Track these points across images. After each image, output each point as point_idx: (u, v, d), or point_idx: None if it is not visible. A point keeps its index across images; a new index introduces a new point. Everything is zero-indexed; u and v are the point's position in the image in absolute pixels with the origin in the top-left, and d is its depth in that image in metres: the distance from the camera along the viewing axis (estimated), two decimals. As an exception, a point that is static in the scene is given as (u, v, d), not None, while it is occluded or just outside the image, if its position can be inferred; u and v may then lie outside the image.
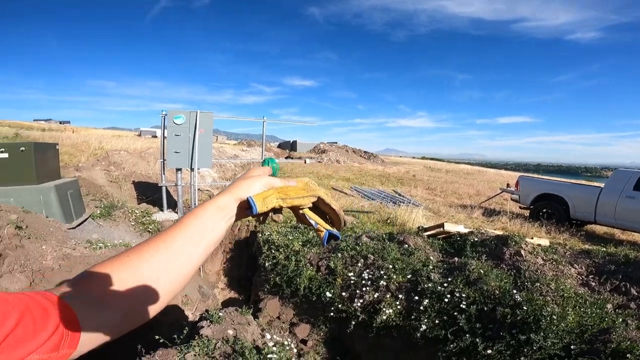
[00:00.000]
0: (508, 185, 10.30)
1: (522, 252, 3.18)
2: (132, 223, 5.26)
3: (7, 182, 3.96)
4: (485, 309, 2.50)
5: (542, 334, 2.15)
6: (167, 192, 6.90)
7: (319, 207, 0.65)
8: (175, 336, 1.84)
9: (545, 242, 4.22)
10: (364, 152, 37.38)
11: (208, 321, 1.97)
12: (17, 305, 0.36)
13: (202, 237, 0.54)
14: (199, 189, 9.43)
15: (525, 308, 2.35)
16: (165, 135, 5.76)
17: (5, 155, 3.86)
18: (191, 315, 3.73)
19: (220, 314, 2.06)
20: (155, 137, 27.75)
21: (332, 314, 3.19)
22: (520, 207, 9.41)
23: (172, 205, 6.86)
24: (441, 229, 3.93)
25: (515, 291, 2.57)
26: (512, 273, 2.94)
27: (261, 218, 0.61)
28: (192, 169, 5.54)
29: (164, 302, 0.52)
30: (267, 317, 3.45)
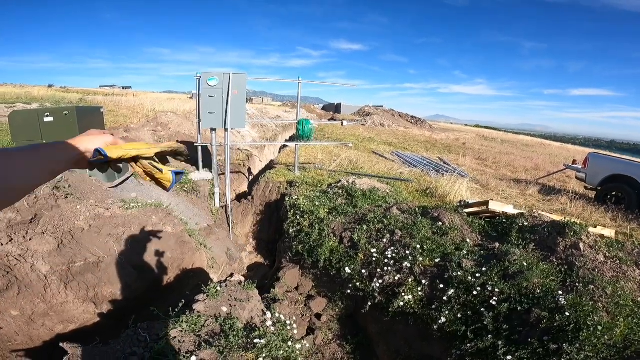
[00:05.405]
0: (574, 161, 9.01)
1: (581, 245, 2.69)
2: (170, 181, 5.47)
3: (53, 144, 4.20)
4: (519, 308, 2.16)
5: (577, 345, 1.81)
6: (204, 152, 7.05)
7: (161, 160, 0.85)
8: (170, 309, 1.81)
9: (610, 232, 3.60)
10: (411, 116, 35.32)
11: (205, 295, 1.90)
12: None
13: (47, 168, 0.64)
14: (239, 149, 9.60)
15: (567, 314, 1.99)
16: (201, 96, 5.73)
17: (51, 119, 4.08)
18: (216, 278, 3.80)
19: (219, 287, 1.98)
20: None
21: (349, 291, 3.04)
22: (585, 188, 8.26)
23: (208, 164, 7.03)
24: (485, 207, 3.48)
25: (561, 292, 2.19)
26: (563, 270, 2.52)
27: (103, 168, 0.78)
28: (225, 129, 5.54)
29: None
30: (284, 288, 3.38)
